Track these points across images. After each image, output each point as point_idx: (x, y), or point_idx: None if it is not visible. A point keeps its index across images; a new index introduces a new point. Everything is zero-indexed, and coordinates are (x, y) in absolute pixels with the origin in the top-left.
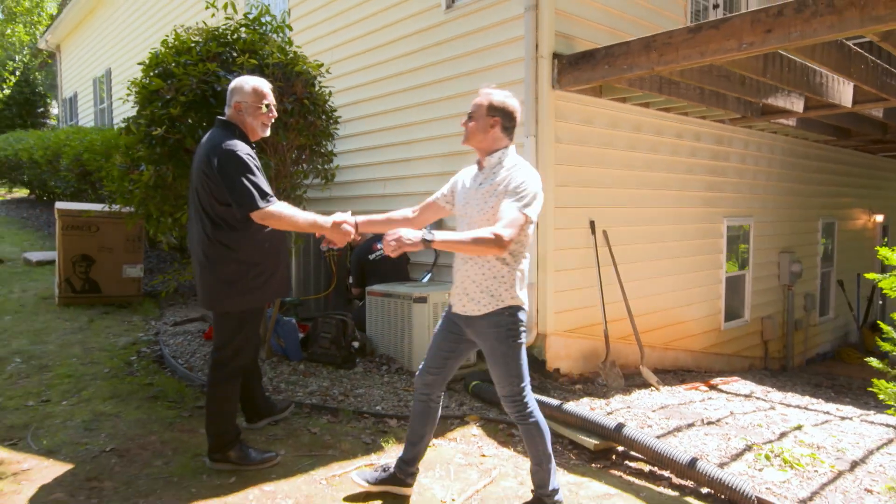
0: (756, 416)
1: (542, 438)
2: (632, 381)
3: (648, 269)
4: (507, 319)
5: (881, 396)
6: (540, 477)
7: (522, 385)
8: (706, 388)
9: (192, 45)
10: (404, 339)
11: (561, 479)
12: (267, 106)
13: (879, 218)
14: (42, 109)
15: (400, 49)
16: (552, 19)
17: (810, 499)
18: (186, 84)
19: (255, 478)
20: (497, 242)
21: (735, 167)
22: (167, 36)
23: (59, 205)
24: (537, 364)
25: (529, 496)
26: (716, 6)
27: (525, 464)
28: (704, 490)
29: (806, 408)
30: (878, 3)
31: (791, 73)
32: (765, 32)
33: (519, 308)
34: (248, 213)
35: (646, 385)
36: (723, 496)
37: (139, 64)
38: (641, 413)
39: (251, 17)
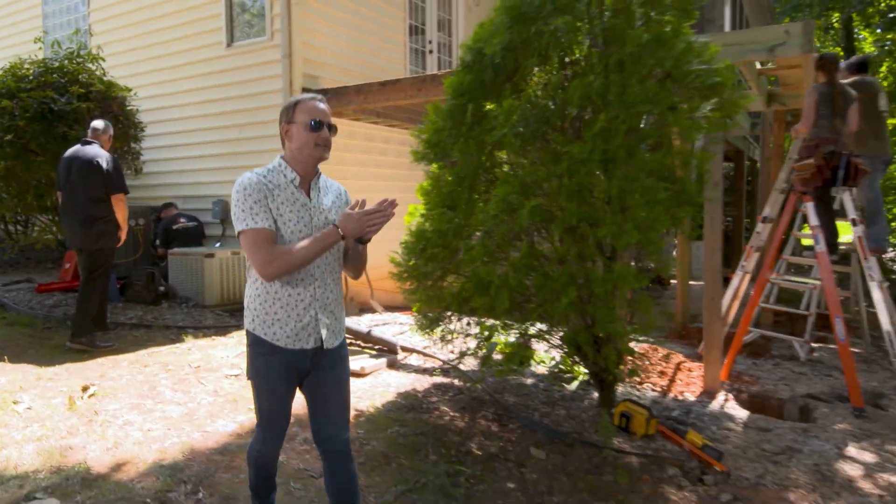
0: None
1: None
2: (367, 311)
3: (384, 237)
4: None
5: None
6: None
7: None
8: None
9: (28, 73)
10: (198, 284)
11: None
12: (111, 137)
13: None
14: None
15: (194, 71)
16: (301, 65)
17: (413, 343)
18: (30, 104)
19: (101, 353)
20: None
21: None
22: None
23: None
24: None
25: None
26: (430, 51)
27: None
28: (377, 347)
29: None
30: None
31: None
32: (416, 90)
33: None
34: (116, 193)
35: (374, 311)
36: (385, 348)
37: None
38: (359, 320)
39: (70, 50)
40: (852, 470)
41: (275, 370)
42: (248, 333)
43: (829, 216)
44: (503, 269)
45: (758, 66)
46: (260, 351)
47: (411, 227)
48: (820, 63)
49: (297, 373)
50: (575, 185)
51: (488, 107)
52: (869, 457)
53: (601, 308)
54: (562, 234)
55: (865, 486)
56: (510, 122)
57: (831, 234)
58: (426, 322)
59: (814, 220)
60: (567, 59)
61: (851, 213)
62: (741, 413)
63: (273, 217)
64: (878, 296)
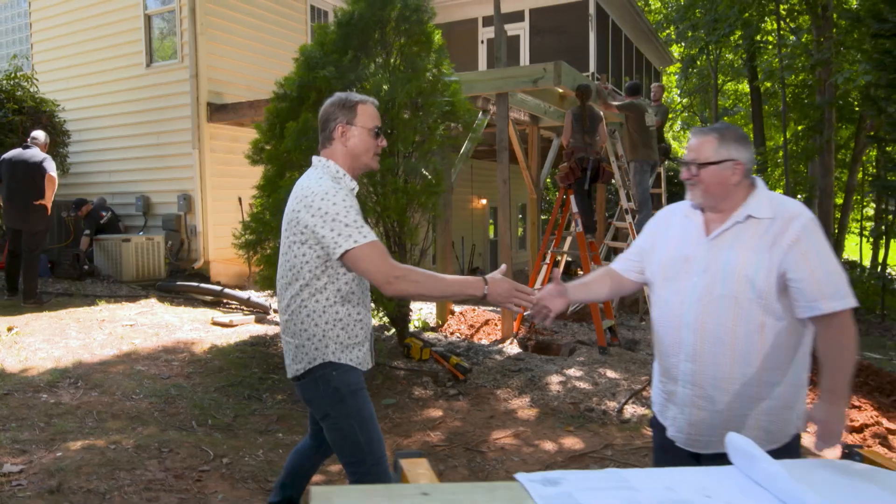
0: None
1: None
2: None
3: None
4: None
5: None
6: None
7: None
8: None
9: None
10: (117, 263)
11: (195, 309)
12: (47, 144)
13: (483, 201)
14: None
15: (117, 87)
16: (206, 83)
17: None
18: None
19: (28, 310)
20: None
21: None
22: None
23: None
24: (205, 278)
25: (170, 321)
26: None
27: (176, 309)
28: (255, 310)
29: None
30: None
31: None
32: None
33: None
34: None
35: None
36: (260, 310)
37: None
38: (250, 291)
39: (8, 72)
40: (555, 379)
41: (366, 393)
42: (328, 365)
43: (584, 205)
44: None
45: (559, 90)
46: (350, 380)
47: (253, 211)
48: (577, 91)
49: None
50: None
51: None
52: (575, 374)
53: None
54: None
55: (555, 387)
56: (292, 138)
57: (587, 219)
58: (261, 280)
59: (574, 207)
60: None
61: (625, 204)
62: (514, 350)
63: None
64: None
